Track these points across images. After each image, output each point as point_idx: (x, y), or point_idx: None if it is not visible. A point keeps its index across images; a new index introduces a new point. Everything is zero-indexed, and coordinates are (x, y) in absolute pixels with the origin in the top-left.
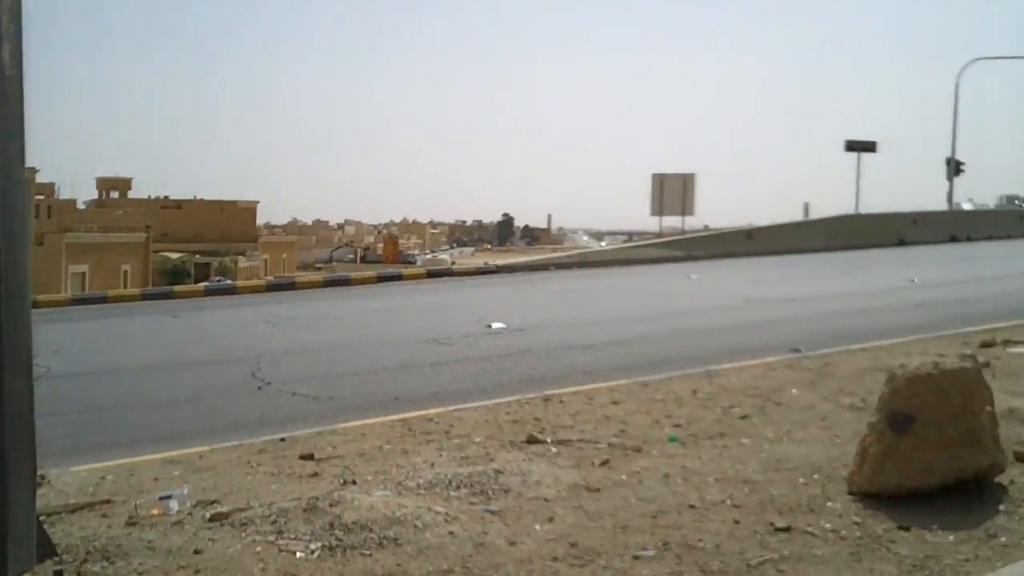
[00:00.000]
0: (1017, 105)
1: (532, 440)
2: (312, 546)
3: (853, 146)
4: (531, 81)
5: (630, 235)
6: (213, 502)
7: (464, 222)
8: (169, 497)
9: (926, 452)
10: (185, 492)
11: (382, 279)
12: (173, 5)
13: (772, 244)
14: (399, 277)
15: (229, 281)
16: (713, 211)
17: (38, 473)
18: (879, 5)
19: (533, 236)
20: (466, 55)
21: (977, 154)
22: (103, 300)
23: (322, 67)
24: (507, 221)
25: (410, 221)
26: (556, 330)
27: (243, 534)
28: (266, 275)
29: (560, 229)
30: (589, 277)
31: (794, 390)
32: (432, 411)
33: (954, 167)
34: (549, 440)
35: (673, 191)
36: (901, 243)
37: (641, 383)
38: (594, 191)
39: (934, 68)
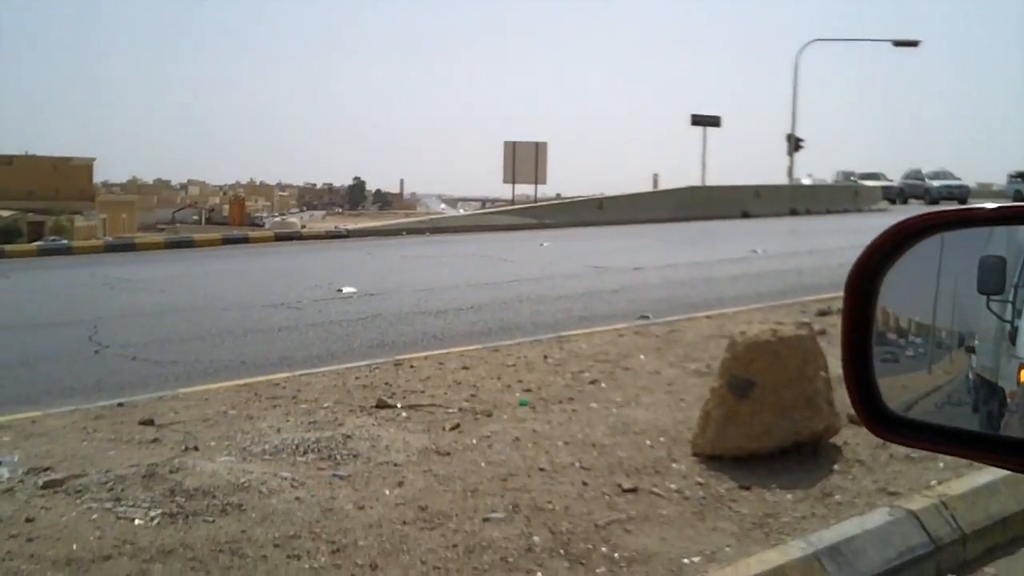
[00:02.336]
0: (853, 85)
1: (382, 405)
2: (152, 513)
3: (699, 120)
4: (383, 42)
5: (484, 202)
6: (46, 469)
7: (314, 185)
8: None
9: (765, 416)
10: (15, 459)
11: (228, 242)
12: None
13: (622, 214)
14: (245, 240)
15: (65, 241)
16: (565, 180)
17: None
18: None
19: (385, 201)
20: (318, 10)
21: (816, 131)
22: None
23: (167, 12)
24: (359, 185)
25: (257, 183)
26: (408, 295)
27: (78, 501)
28: (105, 235)
29: (413, 194)
30: (441, 243)
31: (642, 356)
32: (279, 376)
33: (794, 143)
34: (399, 405)
35: (525, 159)
36: (745, 215)
37: (492, 348)
38: (447, 157)
39: (776, 46)
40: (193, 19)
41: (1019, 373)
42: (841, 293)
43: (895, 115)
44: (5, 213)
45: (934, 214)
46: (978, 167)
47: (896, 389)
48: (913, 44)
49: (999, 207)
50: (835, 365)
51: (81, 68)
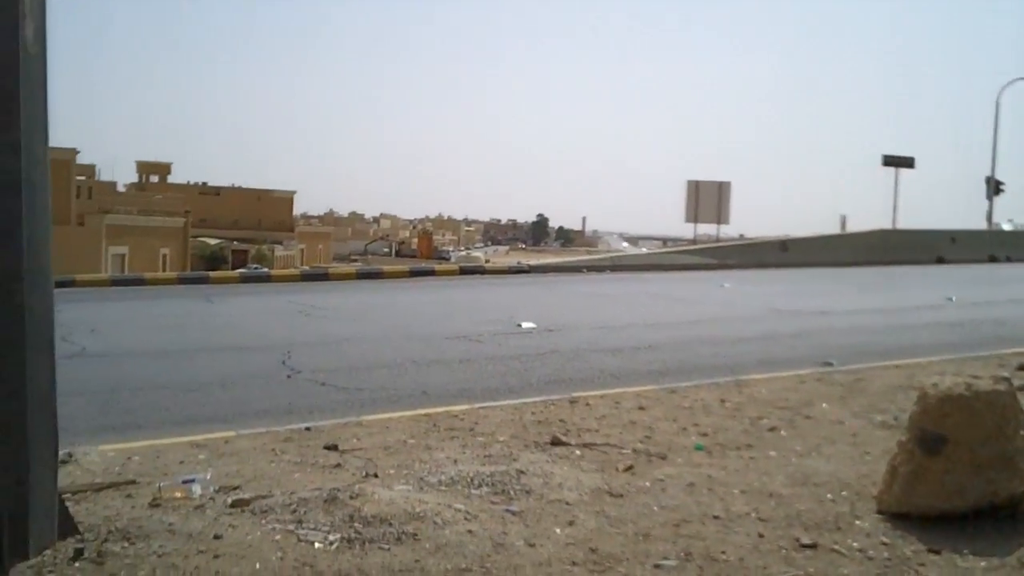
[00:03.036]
0: None
1: (556, 442)
2: (331, 537)
3: (891, 161)
4: (572, 84)
5: (665, 241)
6: (235, 488)
7: (499, 221)
8: (192, 481)
9: (958, 474)
10: (208, 477)
11: (415, 274)
12: None
13: (807, 256)
14: (432, 272)
15: (264, 269)
16: (749, 220)
17: (66, 451)
18: (922, 20)
19: (567, 238)
20: (506, 55)
21: (1017, 174)
22: (140, 282)
23: (358, 63)
24: (542, 222)
25: (445, 217)
26: (586, 332)
27: (263, 521)
28: (301, 265)
29: (595, 232)
30: (621, 281)
31: (824, 404)
32: (458, 407)
33: (994, 186)
34: (573, 443)
35: (708, 198)
36: (939, 261)
37: (669, 390)
38: (629, 196)
39: (974, 86)
40: (387, 68)
41: None
42: None
43: None
44: (212, 241)
45: None
46: None
47: None
48: None
49: None
50: None
51: (284, 106)
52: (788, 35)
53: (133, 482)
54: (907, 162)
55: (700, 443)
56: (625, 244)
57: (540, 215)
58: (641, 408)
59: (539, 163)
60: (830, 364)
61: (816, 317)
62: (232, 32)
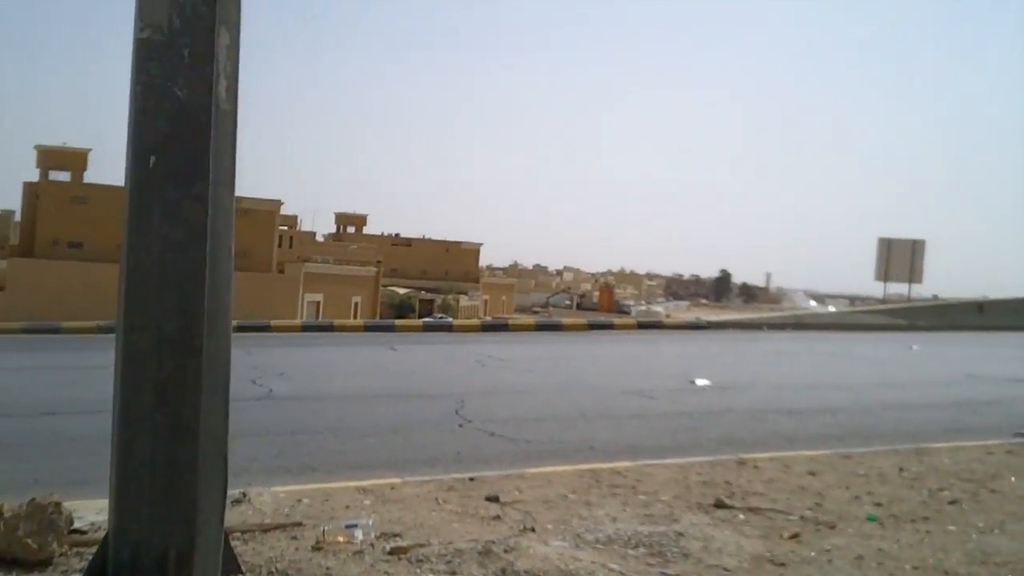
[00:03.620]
0: None
1: (720, 504)
2: None
3: None
4: (758, 136)
5: (852, 299)
6: (396, 535)
7: (681, 275)
8: (355, 526)
9: None
10: (371, 522)
11: (593, 327)
12: (417, 54)
13: (1005, 319)
14: (610, 326)
15: (448, 318)
16: (945, 280)
17: (240, 491)
18: None
19: (750, 294)
20: (682, 107)
21: None
22: (329, 328)
23: (544, 121)
24: (724, 277)
25: (627, 271)
26: (762, 391)
27: (418, 570)
28: (485, 315)
29: (779, 288)
30: (803, 340)
31: (1013, 478)
32: (622, 464)
33: None
34: (738, 506)
35: (900, 256)
36: None
37: (843, 455)
38: (817, 252)
39: None
40: (570, 121)
41: None
42: None
43: None
44: (401, 290)
45: None
46: None
47: None
48: None
49: None
50: None
51: (476, 161)
52: (991, 79)
53: (300, 524)
54: None
55: (873, 513)
56: (812, 302)
57: (723, 271)
58: (812, 473)
59: (724, 218)
60: (1022, 435)
61: (1012, 384)
62: (431, 97)
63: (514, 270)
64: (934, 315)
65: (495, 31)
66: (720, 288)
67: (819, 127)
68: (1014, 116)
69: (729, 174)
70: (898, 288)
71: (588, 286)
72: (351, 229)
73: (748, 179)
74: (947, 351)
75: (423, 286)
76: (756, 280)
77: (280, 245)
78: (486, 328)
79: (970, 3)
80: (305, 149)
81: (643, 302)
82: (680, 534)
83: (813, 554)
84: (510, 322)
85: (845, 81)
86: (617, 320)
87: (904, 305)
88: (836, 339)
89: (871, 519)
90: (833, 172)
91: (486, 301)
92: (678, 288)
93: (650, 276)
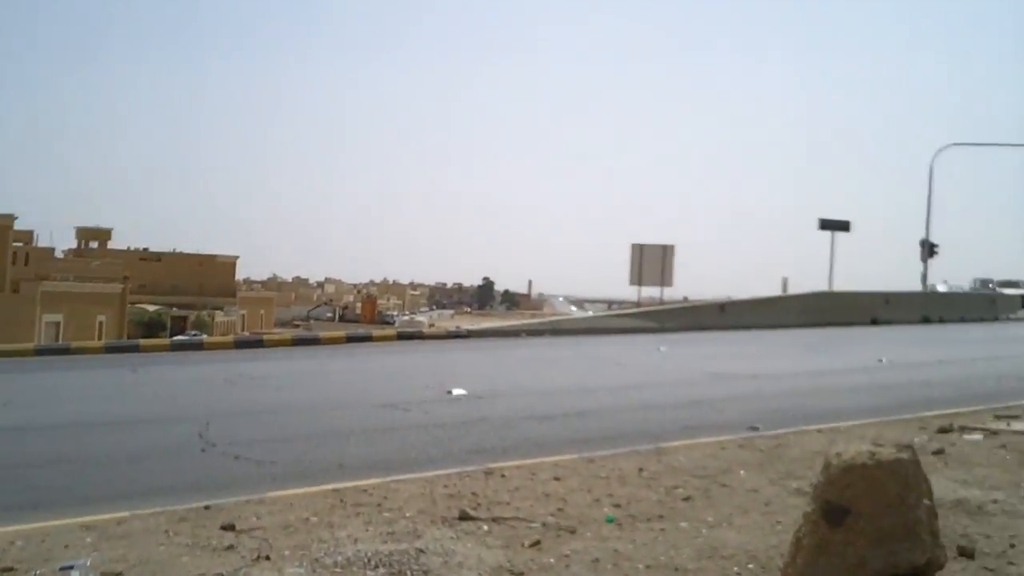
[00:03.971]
0: (989, 190)
1: (464, 516)
2: None
3: (827, 225)
4: (518, 145)
5: (610, 303)
6: (117, 574)
7: (444, 284)
8: (71, 568)
9: (860, 546)
10: (87, 563)
11: (352, 340)
12: (157, 60)
13: (745, 318)
14: (369, 338)
15: (200, 336)
16: (693, 283)
17: None
18: (859, 89)
19: (513, 301)
20: (452, 117)
21: (952, 237)
22: (66, 351)
23: (303, 125)
24: (487, 285)
25: (390, 282)
26: (517, 399)
27: None
28: (243, 330)
29: (540, 295)
30: (560, 346)
31: (742, 472)
32: (369, 482)
33: (928, 249)
34: (482, 517)
35: (652, 261)
36: (874, 322)
37: (587, 459)
38: (576, 258)
39: (910, 152)
40: (333, 131)
41: None
42: (967, 408)
43: None
44: (151, 307)
45: None
46: None
47: None
48: None
49: None
50: (951, 488)
51: (229, 168)
52: (731, 101)
53: (11, 569)
54: (843, 226)
55: (611, 515)
56: (572, 307)
57: (486, 278)
58: (557, 479)
59: (486, 226)
60: (756, 429)
61: (748, 381)
62: (165, 101)
63: (273, 283)
64: (681, 317)
65: (226, 40)
66: (483, 296)
67: (576, 136)
68: (751, 135)
69: (492, 182)
70: (651, 292)
71: (351, 297)
72: (94, 244)
73: (509, 187)
74: (692, 351)
75: (176, 302)
76: (519, 287)
77: (14, 263)
78: (239, 345)
79: (695, 24)
80: (44, 160)
81: (407, 312)
82: (422, 551)
83: (552, 560)
84: (265, 338)
85: (601, 93)
86: (377, 332)
87: (654, 308)
88: (590, 343)
89: (610, 521)
90: (590, 181)
91: (244, 316)
92: (442, 297)
93: (413, 286)
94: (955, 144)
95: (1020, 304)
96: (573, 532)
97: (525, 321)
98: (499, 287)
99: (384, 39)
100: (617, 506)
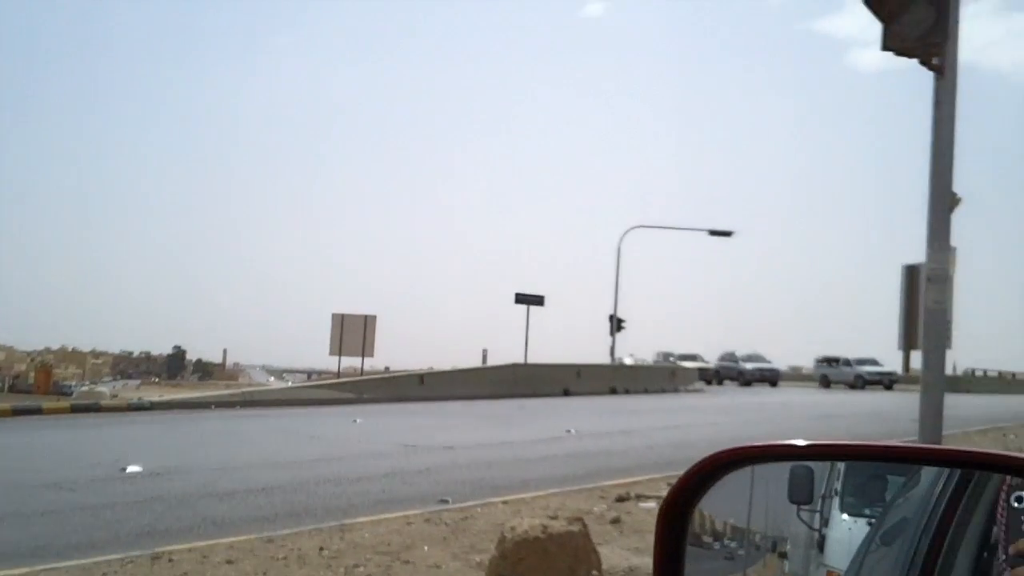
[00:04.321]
0: (669, 270)
1: None
2: None
3: (522, 299)
4: (204, 200)
5: (310, 374)
6: None
7: (131, 353)
8: None
9: None
10: None
11: (18, 412)
12: None
13: (444, 389)
14: (39, 410)
15: None
16: (396, 353)
17: None
18: (555, 170)
19: (206, 371)
20: (141, 161)
21: (639, 312)
22: None
23: None
24: (178, 354)
25: (69, 349)
26: (198, 475)
27: None
28: None
29: (236, 364)
30: (251, 418)
31: (426, 547)
32: (16, 571)
33: (616, 324)
34: None
35: (353, 331)
36: (566, 393)
37: (266, 539)
38: (274, 327)
39: (601, 231)
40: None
41: None
42: (644, 476)
43: (714, 298)
44: None
45: (744, 449)
46: (787, 351)
47: None
48: (727, 234)
49: (810, 445)
50: (623, 557)
51: None
52: (433, 185)
53: None
54: (537, 300)
55: None
56: (270, 378)
57: (177, 347)
58: (230, 562)
59: (177, 290)
60: (446, 501)
61: (442, 452)
62: None
63: None
64: (380, 387)
65: None
66: (174, 365)
67: (271, 199)
68: (452, 212)
69: (182, 242)
70: (353, 362)
71: (23, 366)
72: None
73: (201, 248)
74: (389, 422)
75: None
76: (213, 357)
77: None
78: None
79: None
80: None
81: (87, 382)
82: None
83: None
84: None
85: (302, 154)
86: (46, 404)
87: (352, 379)
88: (285, 415)
89: None
90: (288, 248)
91: None
92: (128, 366)
93: (96, 354)
94: (639, 227)
95: (697, 376)
96: None
97: (215, 392)
98: (192, 356)
99: None
100: None
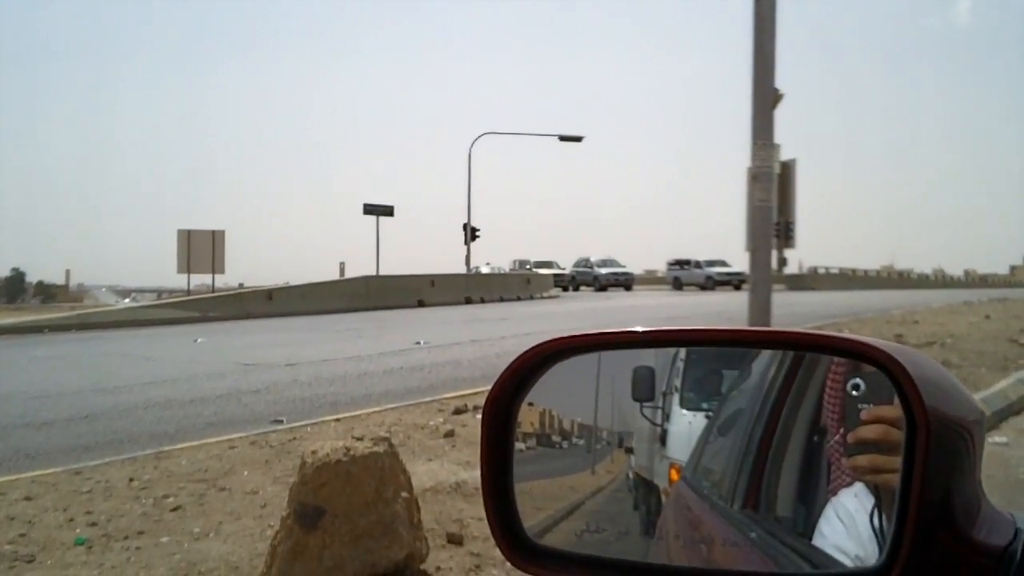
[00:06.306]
0: (526, 176)
1: None
2: None
3: (371, 210)
4: (43, 121)
5: (160, 293)
6: None
7: None
8: None
9: (336, 548)
10: None
11: None
12: None
13: (295, 305)
14: None
15: None
16: (251, 269)
17: None
18: (402, 84)
19: (49, 293)
20: None
21: (494, 220)
22: None
23: None
24: (17, 276)
25: None
26: (16, 404)
27: None
28: None
29: (81, 285)
30: (86, 341)
31: (246, 472)
32: None
33: (470, 233)
34: None
35: (202, 248)
36: (420, 304)
37: (74, 471)
38: (121, 245)
39: (451, 139)
40: None
41: (670, 472)
42: (485, 388)
43: (568, 205)
44: None
45: (566, 339)
46: (642, 254)
47: (553, 496)
48: (577, 139)
49: (620, 332)
50: (452, 471)
51: None
52: (280, 91)
53: None
54: (386, 210)
55: (82, 536)
56: (118, 299)
57: (15, 269)
58: (28, 498)
59: (13, 211)
60: (280, 422)
61: (283, 370)
62: None
63: None
64: (226, 305)
65: None
66: (13, 288)
67: (119, 113)
68: (298, 121)
69: (25, 160)
70: (204, 279)
71: None
72: None
73: (40, 167)
74: (231, 341)
75: None
76: (56, 278)
77: None
78: None
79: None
80: None
81: None
82: None
83: None
84: None
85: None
86: None
87: (196, 298)
88: (124, 338)
89: (80, 543)
90: (136, 162)
91: None
92: None
93: None
94: (489, 133)
95: (552, 283)
96: (31, 561)
97: (50, 316)
98: (32, 278)
99: None
100: (94, 524)
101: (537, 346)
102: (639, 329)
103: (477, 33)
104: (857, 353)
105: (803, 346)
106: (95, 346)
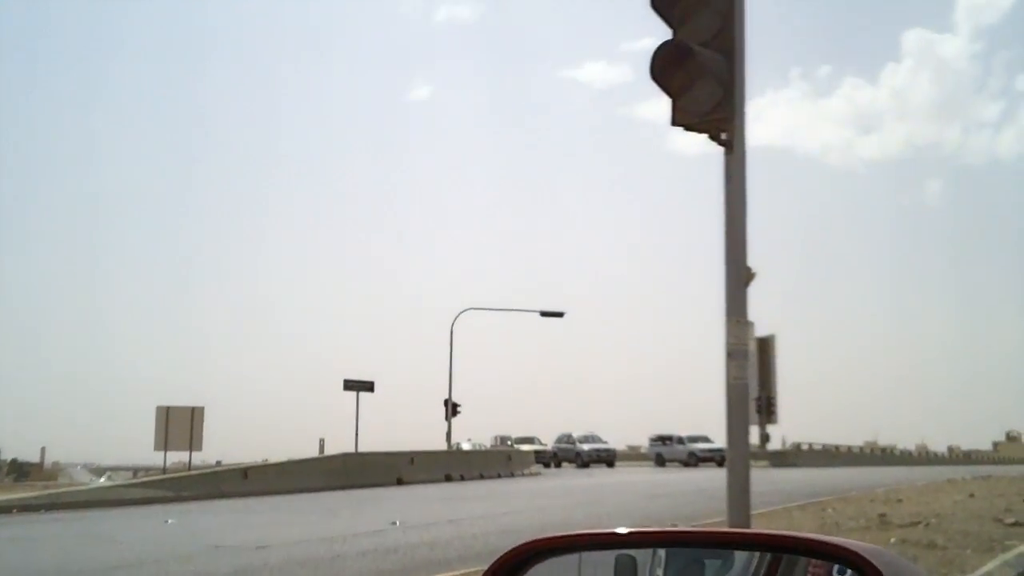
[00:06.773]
0: (508, 352)
1: None
2: None
3: (350, 385)
4: (27, 300)
5: (136, 471)
6: None
7: None
8: None
9: None
10: None
11: None
12: None
13: (272, 483)
14: None
15: None
16: (229, 446)
17: None
18: (375, 250)
19: (23, 471)
20: None
21: (474, 396)
22: None
23: None
24: None
25: None
26: None
27: None
28: None
29: (56, 463)
30: (53, 522)
31: None
32: None
33: (451, 408)
34: None
35: (180, 424)
36: (399, 482)
37: None
38: (98, 422)
39: (434, 315)
40: None
41: None
42: (464, 570)
43: (549, 379)
44: None
45: (548, 540)
46: (625, 430)
47: None
48: (559, 315)
49: (599, 534)
50: None
51: None
52: (254, 254)
53: None
54: (367, 386)
55: None
56: (92, 477)
57: None
58: None
59: None
60: None
61: (254, 553)
62: None
63: None
64: (200, 484)
65: None
66: None
67: (98, 297)
68: (272, 292)
69: None
70: (181, 455)
71: None
72: None
73: (15, 343)
74: (204, 521)
75: None
76: (31, 456)
77: None
78: None
79: None
80: None
81: None
82: None
83: None
84: None
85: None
86: None
87: (169, 476)
88: (93, 517)
89: None
90: (116, 341)
91: None
92: None
93: None
94: (471, 308)
95: (533, 459)
96: None
97: (20, 495)
98: (6, 456)
99: None
100: None
101: (516, 548)
102: (621, 530)
103: (459, 210)
104: (833, 556)
105: (783, 548)
106: (63, 527)
